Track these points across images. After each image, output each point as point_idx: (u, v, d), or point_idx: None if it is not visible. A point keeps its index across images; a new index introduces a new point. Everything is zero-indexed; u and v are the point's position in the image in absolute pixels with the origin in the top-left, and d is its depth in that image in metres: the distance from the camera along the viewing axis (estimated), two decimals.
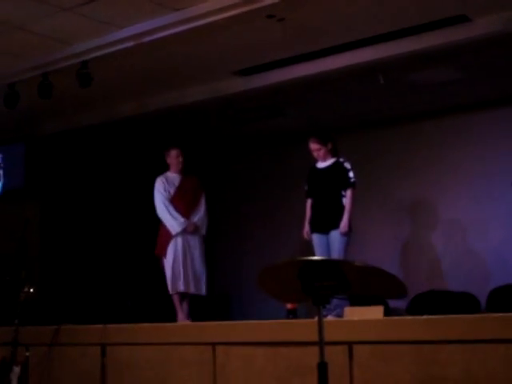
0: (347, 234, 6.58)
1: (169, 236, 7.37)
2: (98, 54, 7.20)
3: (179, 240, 7.34)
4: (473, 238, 8.66)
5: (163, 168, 7.52)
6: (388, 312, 5.77)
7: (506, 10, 6.47)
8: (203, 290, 7.44)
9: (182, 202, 7.47)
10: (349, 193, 6.65)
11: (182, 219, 7.36)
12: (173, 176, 7.62)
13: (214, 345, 5.17)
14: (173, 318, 7.19)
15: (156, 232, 7.48)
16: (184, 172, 7.66)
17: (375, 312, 4.95)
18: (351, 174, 6.70)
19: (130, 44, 7.00)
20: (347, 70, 7.54)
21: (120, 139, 9.89)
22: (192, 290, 7.36)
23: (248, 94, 8.34)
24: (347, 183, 6.68)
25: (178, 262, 7.31)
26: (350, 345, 4.49)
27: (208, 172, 11.04)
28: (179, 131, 9.84)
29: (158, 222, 7.43)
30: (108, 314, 7.39)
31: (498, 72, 7.77)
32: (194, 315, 7.28)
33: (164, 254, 7.41)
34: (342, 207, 6.61)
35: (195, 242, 7.45)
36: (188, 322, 6.89)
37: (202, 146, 10.60)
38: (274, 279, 3.21)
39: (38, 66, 7.55)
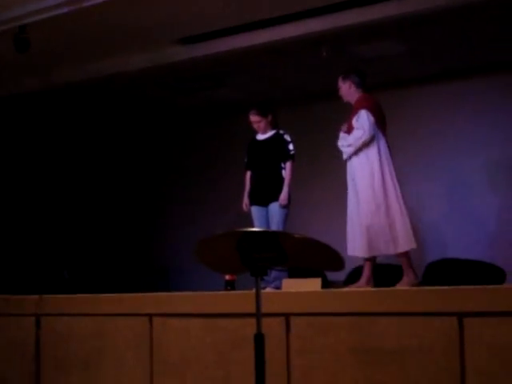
0: (286, 207, 6.59)
1: None
2: (36, 18, 7.00)
3: None
4: (410, 213, 8.74)
5: (101, 136, 7.34)
6: (326, 284, 5.80)
7: None
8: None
9: None
10: (288, 165, 6.64)
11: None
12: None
13: (150, 316, 5.13)
14: (115, 287, 6.58)
15: (89, 203, 7.12)
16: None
17: (313, 284, 4.96)
18: (291, 147, 6.69)
19: (69, 8, 6.83)
20: (291, 41, 7.50)
21: (58, 106, 9.71)
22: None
23: (190, 64, 8.23)
24: (287, 155, 6.67)
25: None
26: (287, 316, 4.49)
27: (147, 142, 10.96)
28: (118, 100, 9.72)
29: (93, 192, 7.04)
30: (44, 284, 7.27)
31: (441, 47, 7.83)
32: (131, 287, 7.02)
33: None
34: (282, 179, 6.60)
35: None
36: (123, 294, 6.52)
37: (142, 115, 10.50)
38: (212, 251, 3.18)
39: None
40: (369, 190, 5.98)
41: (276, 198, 6.56)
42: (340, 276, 7.22)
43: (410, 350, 4.02)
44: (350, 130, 6.13)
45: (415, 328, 4.03)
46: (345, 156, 6.19)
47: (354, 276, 7.56)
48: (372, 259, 6.10)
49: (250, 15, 7.24)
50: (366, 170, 6.01)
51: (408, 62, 8.22)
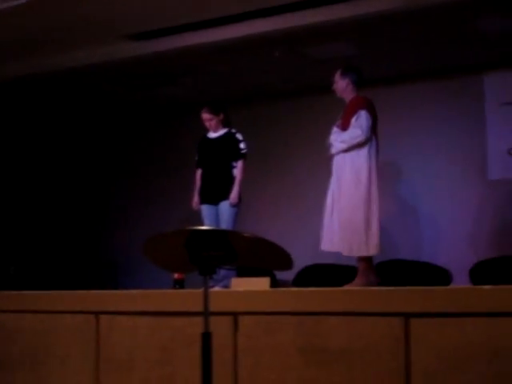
0: (237, 205, 6.60)
1: None
2: None
3: None
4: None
5: (50, 131, 7.10)
6: (275, 284, 5.81)
7: None
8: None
9: None
10: (239, 164, 6.66)
11: None
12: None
13: (97, 314, 5.08)
14: (62, 283, 6.73)
15: (35, 199, 7.09)
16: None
17: (261, 283, 4.97)
18: (242, 145, 6.71)
19: (21, 1, 6.74)
20: (243, 41, 7.51)
21: (5, 102, 9.56)
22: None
23: (142, 60, 8.18)
24: (238, 154, 6.68)
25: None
26: (235, 315, 4.49)
27: (96, 137, 10.86)
28: (68, 95, 9.61)
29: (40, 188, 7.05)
30: None
31: (394, 49, 7.90)
32: (78, 284, 7.04)
33: None
34: (232, 178, 6.61)
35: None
36: (70, 291, 6.57)
37: (91, 111, 10.40)
38: (161, 248, 3.16)
39: None
40: (352, 189, 6.05)
41: (226, 197, 6.57)
42: (289, 276, 7.25)
43: (357, 349, 4.05)
44: (344, 127, 6.16)
45: (362, 328, 4.06)
46: (334, 150, 6.21)
47: (302, 275, 7.61)
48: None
49: (203, 13, 7.22)
50: (353, 169, 6.07)
51: (360, 64, 8.26)
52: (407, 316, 3.93)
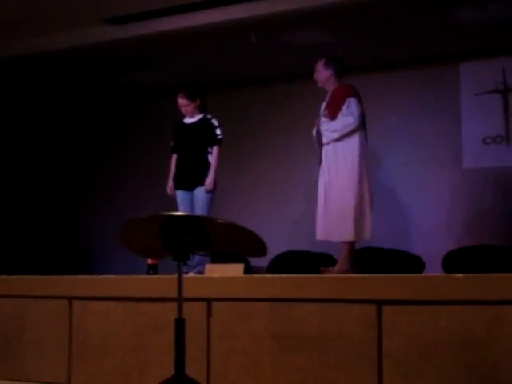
0: (212, 192, 6.58)
1: None
2: None
3: None
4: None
5: (22, 116, 6.98)
6: (249, 270, 5.82)
7: None
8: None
9: None
10: (215, 150, 6.64)
11: None
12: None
13: (70, 299, 5.07)
14: (35, 269, 6.61)
15: (9, 184, 7.00)
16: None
17: (236, 270, 4.98)
18: (218, 131, 6.69)
19: None
20: (221, 26, 7.47)
21: None
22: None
23: (118, 44, 8.12)
24: (214, 140, 6.66)
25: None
26: (208, 301, 4.50)
27: (71, 122, 10.78)
28: (43, 78, 9.53)
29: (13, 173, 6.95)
30: None
31: (370, 37, 7.91)
32: (51, 269, 6.98)
33: None
34: (208, 164, 6.59)
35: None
36: (43, 276, 6.52)
37: (65, 96, 10.33)
38: (136, 234, 3.16)
39: None
40: (345, 177, 6.08)
41: (201, 183, 6.55)
42: (263, 262, 7.26)
43: (330, 336, 4.07)
44: (332, 116, 6.18)
45: (335, 315, 4.08)
46: (326, 140, 6.24)
47: (276, 262, 7.63)
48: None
49: None
50: (345, 157, 6.10)
51: (336, 52, 8.27)
52: (380, 303, 3.96)
